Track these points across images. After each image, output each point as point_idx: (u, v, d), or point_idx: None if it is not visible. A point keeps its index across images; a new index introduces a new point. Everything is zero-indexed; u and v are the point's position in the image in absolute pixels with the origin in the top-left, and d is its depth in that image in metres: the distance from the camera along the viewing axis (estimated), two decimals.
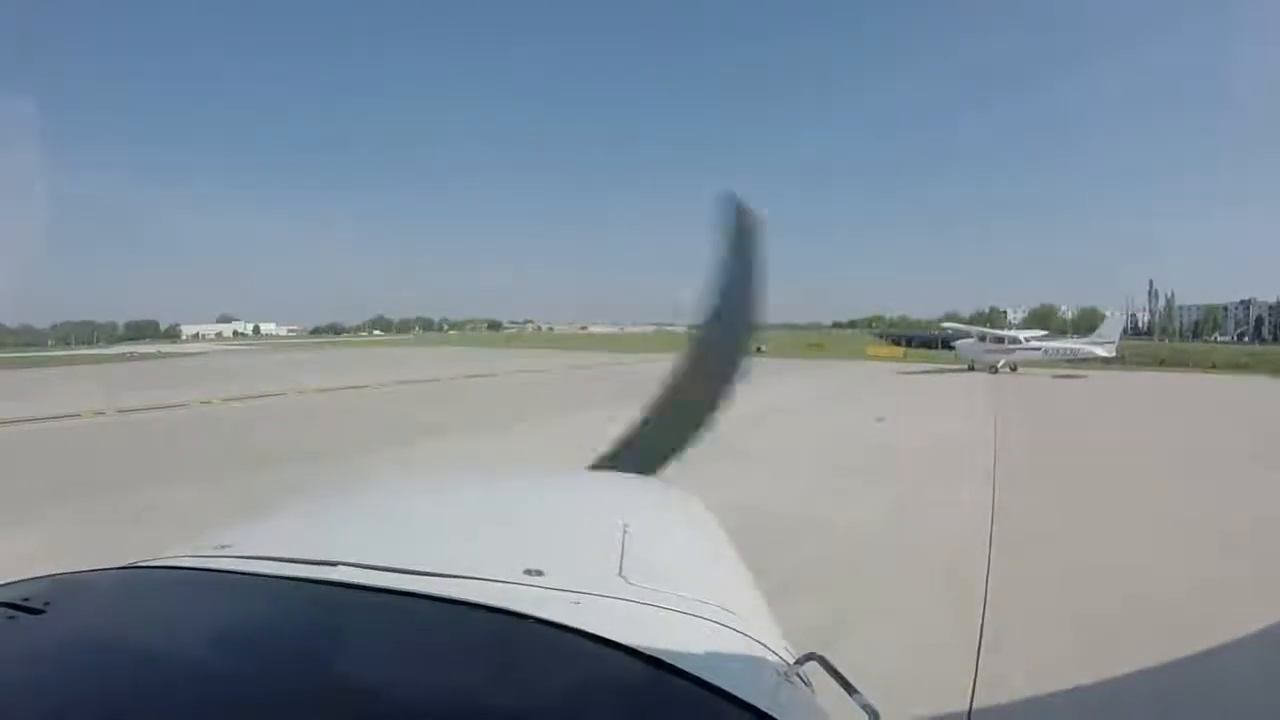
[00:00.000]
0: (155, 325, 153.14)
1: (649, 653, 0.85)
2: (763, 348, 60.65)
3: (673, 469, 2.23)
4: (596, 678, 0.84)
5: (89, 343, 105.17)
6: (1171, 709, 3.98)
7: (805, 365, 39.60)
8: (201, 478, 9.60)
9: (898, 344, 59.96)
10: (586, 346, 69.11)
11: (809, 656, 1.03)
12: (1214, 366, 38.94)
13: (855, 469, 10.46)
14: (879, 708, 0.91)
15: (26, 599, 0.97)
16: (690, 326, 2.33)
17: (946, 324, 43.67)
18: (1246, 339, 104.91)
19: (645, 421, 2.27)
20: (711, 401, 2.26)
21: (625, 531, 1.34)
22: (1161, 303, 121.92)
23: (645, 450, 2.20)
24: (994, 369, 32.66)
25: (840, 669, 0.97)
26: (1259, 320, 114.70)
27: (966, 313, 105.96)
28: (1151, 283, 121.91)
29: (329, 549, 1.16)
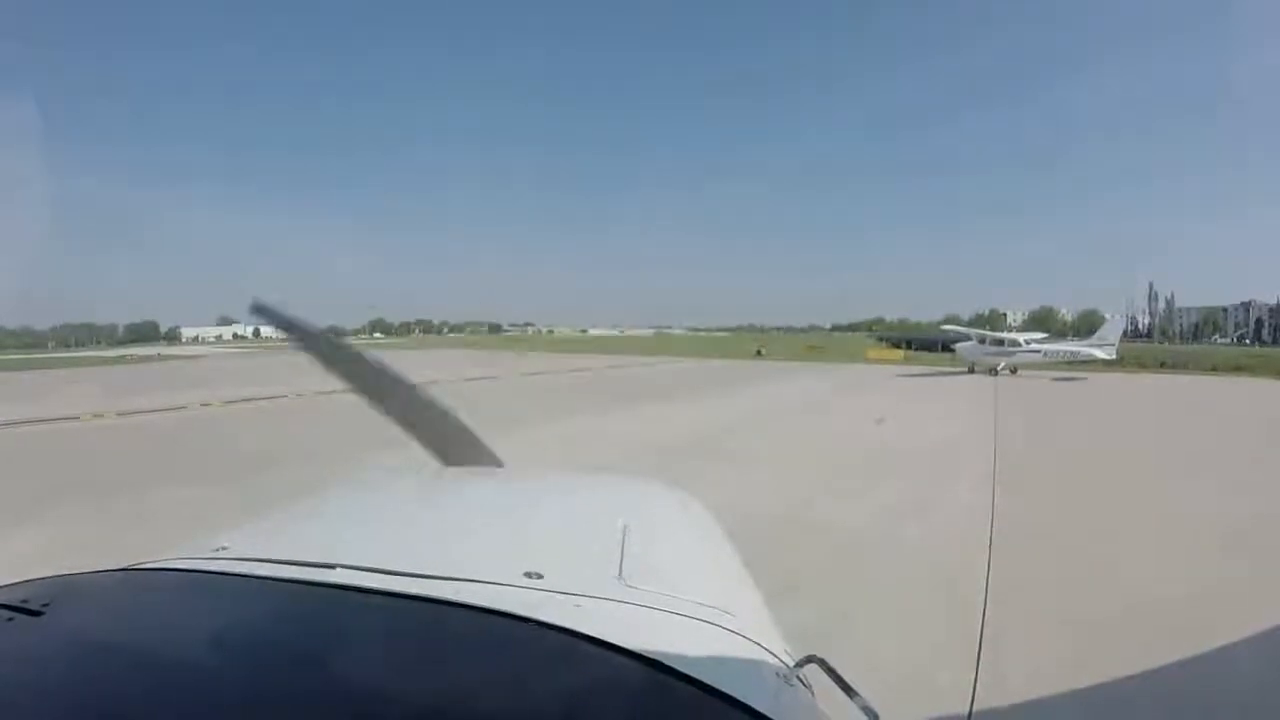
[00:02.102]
0: (155, 327, 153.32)
1: (649, 655, 0.84)
2: (762, 351, 60.91)
3: (657, 469, 2.18)
4: (596, 681, 0.83)
5: (89, 345, 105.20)
6: (1171, 708, 3.98)
7: (805, 368, 39.61)
8: None
9: (898, 347, 60.00)
10: (594, 349, 69.13)
11: (809, 659, 1.03)
12: (1214, 369, 38.97)
13: (855, 471, 10.46)
14: (879, 710, 0.90)
15: (25, 601, 0.97)
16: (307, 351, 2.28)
17: (946, 326, 43.70)
18: (1247, 340, 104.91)
19: (444, 417, 2.26)
20: (412, 394, 2.24)
21: (625, 533, 1.34)
22: (1161, 305, 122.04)
23: (459, 445, 2.19)
24: (994, 372, 32.69)
25: (840, 671, 0.97)
26: (1259, 322, 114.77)
27: (966, 315, 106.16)
28: (1151, 285, 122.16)
29: (328, 551, 1.16)
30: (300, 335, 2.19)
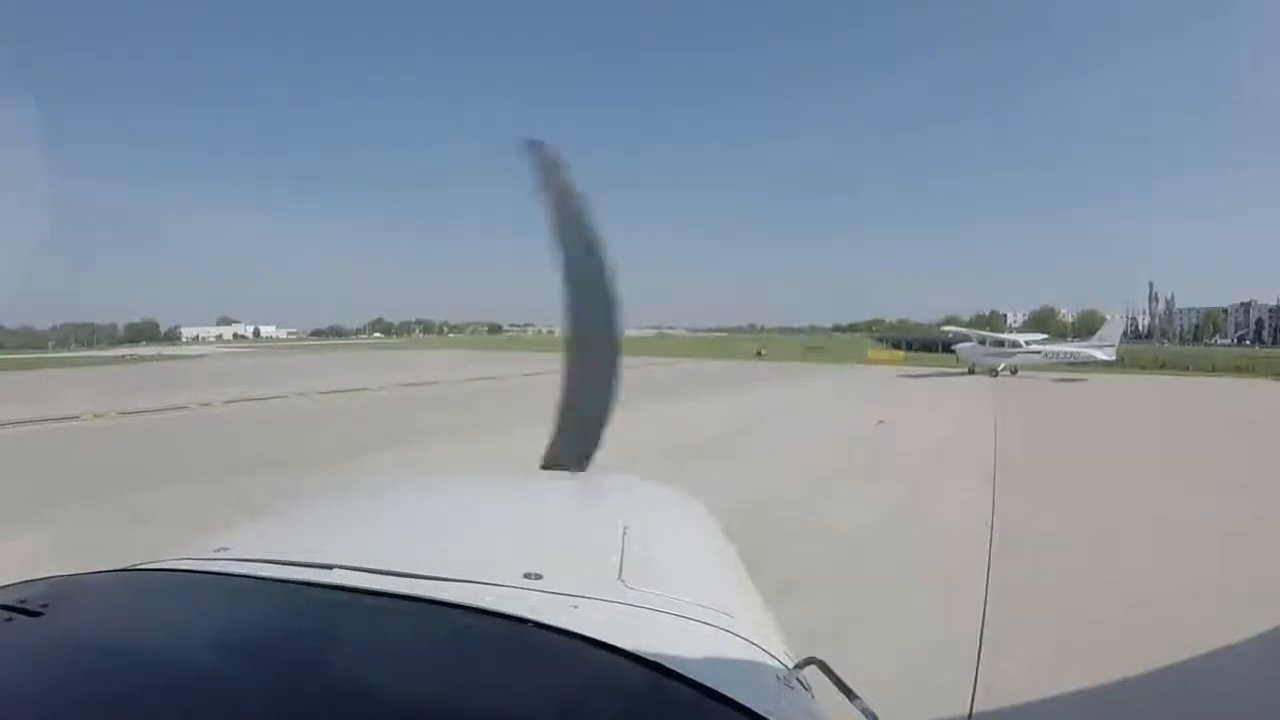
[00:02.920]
0: (155, 327, 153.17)
1: (648, 657, 0.84)
2: (762, 351, 60.89)
3: (648, 468, 2.16)
4: (595, 682, 0.83)
5: (89, 345, 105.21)
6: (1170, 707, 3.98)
7: (805, 369, 39.60)
8: None
9: (898, 347, 60.01)
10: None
11: (809, 661, 1.03)
12: (1214, 370, 38.98)
13: (855, 472, 10.46)
14: (878, 712, 0.90)
15: (25, 601, 0.97)
16: (566, 323, 2.22)
17: (947, 327, 43.72)
18: (1247, 341, 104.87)
19: (565, 417, 2.22)
20: (605, 391, 2.19)
21: (624, 534, 1.34)
22: (1161, 305, 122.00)
23: (573, 444, 2.15)
24: (994, 372, 32.69)
25: (839, 672, 0.96)
26: (1259, 323, 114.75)
27: (967, 316, 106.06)
28: (1151, 285, 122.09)
29: (327, 552, 1.16)
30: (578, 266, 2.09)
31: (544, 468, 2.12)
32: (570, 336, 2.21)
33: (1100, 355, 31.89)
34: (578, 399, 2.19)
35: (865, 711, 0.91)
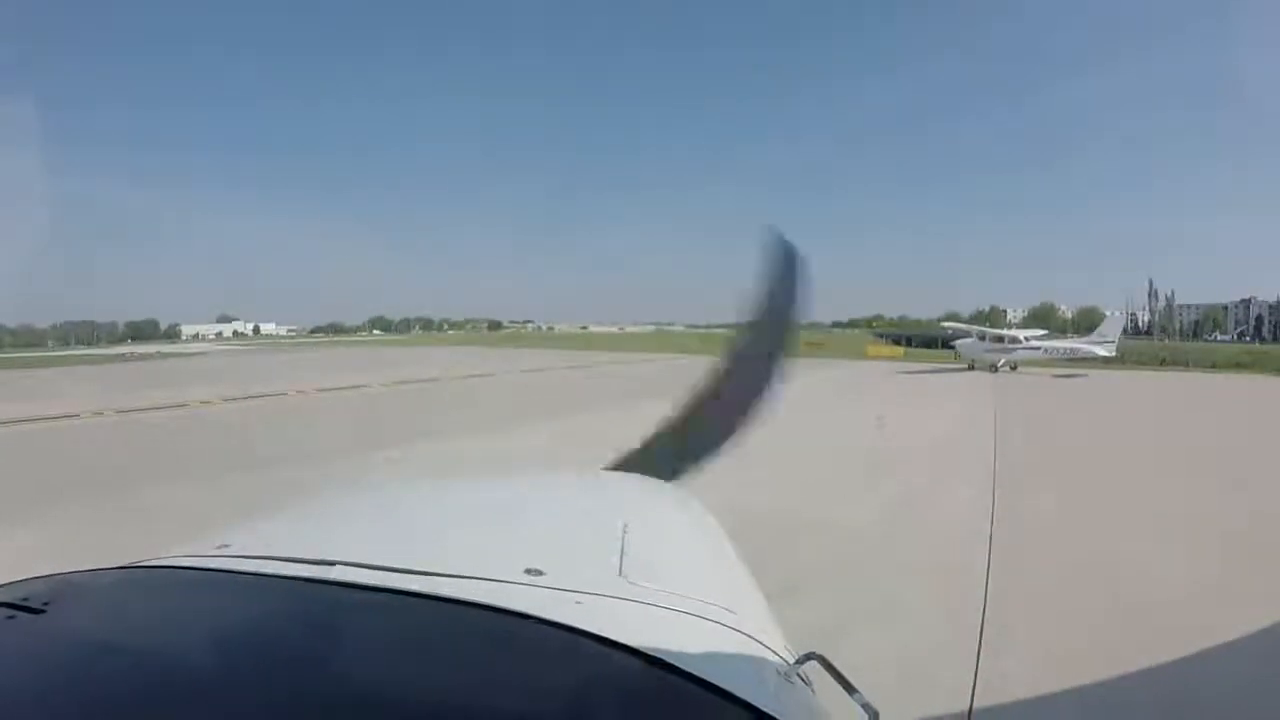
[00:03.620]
0: (155, 325, 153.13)
1: (650, 652, 0.84)
2: None
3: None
4: (597, 678, 0.83)
5: (89, 343, 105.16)
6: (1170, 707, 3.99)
7: (805, 364, 39.63)
8: None
9: (898, 343, 60.00)
10: (602, 346, 69.15)
11: (809, 656, 1.03)
12: (1214, 366, 39.01)
13: (855, 469, 10.47)
14: (879, 708, 0.91)
15: (26, 599, 0.97)
16: (731, 336, 2.28)
17: (946, 323, 43.68)
18: (1247, 338, 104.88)
19: (670, 427, 2.22)
20: (742, 414, 2.20)
21: (626, 531, 1.34)
22: (1161, 302, 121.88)
23: (666, 456, 2.14)
24: (994, 368, 32.71)
25: (840, 668, 0.97)
26: (1259, 319, 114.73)
27: (966, 312, 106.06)
28: (1151, 282, 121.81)
29: (328, 549, 1.16)
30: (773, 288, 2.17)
31: (610, 468, 2.12)
32: (730, 361, 2.27)
33: (1100, 351, 31.92)
34: (701, 417, 2.20)
35: (865, 706, 0.91)
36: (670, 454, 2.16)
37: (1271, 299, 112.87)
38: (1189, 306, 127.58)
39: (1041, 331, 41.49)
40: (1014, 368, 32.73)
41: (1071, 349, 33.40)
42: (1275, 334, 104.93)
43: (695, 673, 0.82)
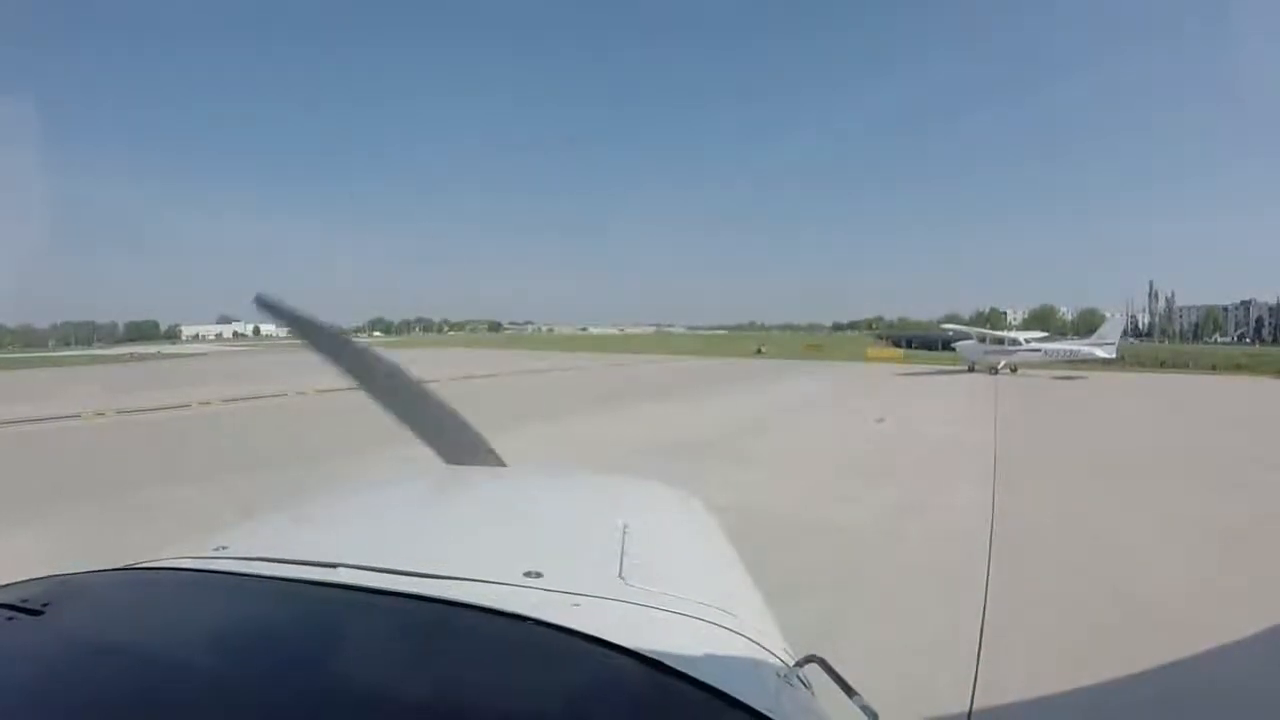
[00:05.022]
0: (155, 326, 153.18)
1: (648, 655, 0.84)
2: (762, 349, 60.91)
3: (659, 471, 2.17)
4: (596, 680, 0.83)
5: (89, 343, 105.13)
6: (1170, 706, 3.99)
7: (805, 367, 39.59)
8: None
9: (898, 345, 60.04)
10: (593, 347, 69.23)
11: (809, 658, 1.03)
12: (1214, 368, 39.01)
13: (855, 470, 10.46)
14: (878, 710, 0.90)
15: (25, 600, 0.97)
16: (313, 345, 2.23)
17: (946, 325, 43.72)
18: (1247, 340, 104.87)
19: (428, 421, 2.24)
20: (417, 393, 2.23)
21: (625, 533, 1.34)
22: (1161, 304, 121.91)
23: (466, 441, 2.18)
24: (994, 370, 32.70)
25: (840, 670, 0.97)
26: (1259, 321, 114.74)
27: (966, 314, 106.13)
28: (1151, 284, 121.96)
29: (327, 550, 1.16)
30: (306, 331, 2.20)
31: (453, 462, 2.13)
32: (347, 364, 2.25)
33: (1100, 353, 31.90)
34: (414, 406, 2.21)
35: (865, 709, 0.91)
36: (466, 439, 2.19)
37: (1271, 301, 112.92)
38: (1189, 308, 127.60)
39: (1041, 334, 41.49)
40: (1014, 369, 32.72)
41: (1071, 351, 33.37)
42: (1275, 335, 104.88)
43: (695, 675, 0.82)
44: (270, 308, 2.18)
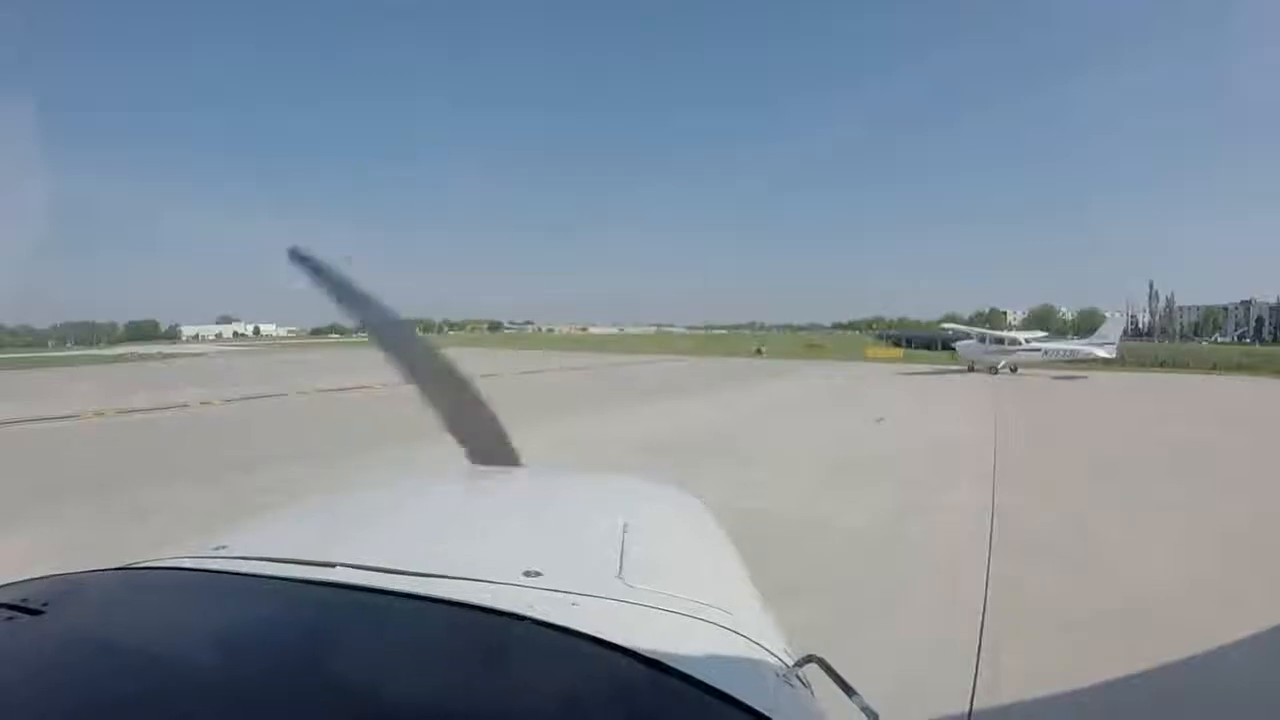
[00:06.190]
0: (155, 326, 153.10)
1: (648, 654, 0.84)
2: (762, 349, 60.91)
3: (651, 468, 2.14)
4: (595, 680, 0.83)
5: (89, 343, 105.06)
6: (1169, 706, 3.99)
7: (805, 366, 39.60)
8: None
9: (898, 345, 60.06)
10: (593, 347, 69.25)
11: (809, 658, 1.03)
12: (1214, 367, 39.01)
13: (854, 469, 10.46)
14: (878, 710, 0.91)
15: (25, 600, 0.97)
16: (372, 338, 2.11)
17: (946, 325, 43.66)
18: (1247, 339, 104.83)
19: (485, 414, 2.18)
20: (452, 379, 2.14)
21: (624, 532, 1.34)
22: (1162, 303, 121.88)
23: (491, 440, 2.12)
24: (994, 370, 32.69)
25: (840, 670, 0.97)
26: (1259, 320, 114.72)
27: (966, 314, 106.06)
28: (1152, 284, 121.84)
29: (327, 550, 1.16)
30: (345, 296, 2.03)
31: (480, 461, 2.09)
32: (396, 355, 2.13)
33: (1101, 353, 31.89)
34: (452, 401, 2.14)
35: (865, 709, 0.91)
36: (491, 438, 2.12)
37: (1271, 300, 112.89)
38: (1189, 308, 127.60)
39: (1041, 333, 41.46)
40: (1014, 369, 32.71)
41: (1072, 351, 33.34)
42: (1275, 335, 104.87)
43: (694, 675, 0.82)
44: (305, 261, 1.98)
